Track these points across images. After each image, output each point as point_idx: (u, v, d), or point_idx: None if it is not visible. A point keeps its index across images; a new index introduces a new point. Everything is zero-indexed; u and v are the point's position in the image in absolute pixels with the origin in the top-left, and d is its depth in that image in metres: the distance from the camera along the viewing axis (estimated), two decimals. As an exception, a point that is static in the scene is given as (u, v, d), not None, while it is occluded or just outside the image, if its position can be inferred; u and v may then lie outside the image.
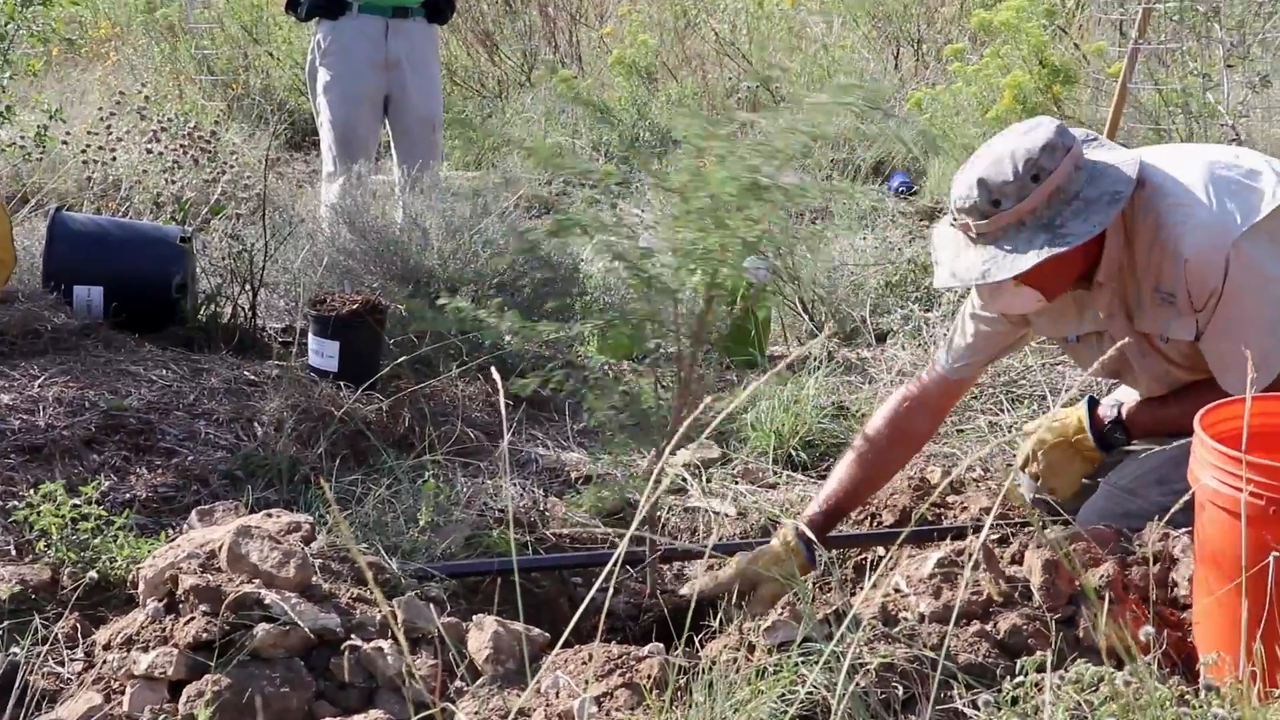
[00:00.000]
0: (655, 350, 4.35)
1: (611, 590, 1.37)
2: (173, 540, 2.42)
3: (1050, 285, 2.46)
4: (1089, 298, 2.58)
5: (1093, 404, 2.74)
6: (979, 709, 1.94)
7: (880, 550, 2.81)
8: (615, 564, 1.39)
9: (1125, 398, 2.87)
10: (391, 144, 5.03)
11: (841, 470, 2.75)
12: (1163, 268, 2.45)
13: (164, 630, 2.13)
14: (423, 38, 4.90)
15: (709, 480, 3.29)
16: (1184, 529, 2.29)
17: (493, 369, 1.48)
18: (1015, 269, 2.34)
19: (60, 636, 2.21)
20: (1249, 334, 2.40)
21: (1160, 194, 2.45)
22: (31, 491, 2.50)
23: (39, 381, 3.21)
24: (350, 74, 4.78)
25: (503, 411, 1.43)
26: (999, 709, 1.85)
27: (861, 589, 2.53)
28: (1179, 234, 2.40)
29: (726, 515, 3.13)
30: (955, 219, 2.44)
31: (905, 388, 2.83)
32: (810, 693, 1.88)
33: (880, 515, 3.04)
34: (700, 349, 2.42)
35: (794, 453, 3.46)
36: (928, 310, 4.66)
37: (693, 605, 2.27)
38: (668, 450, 1.85)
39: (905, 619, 2.14)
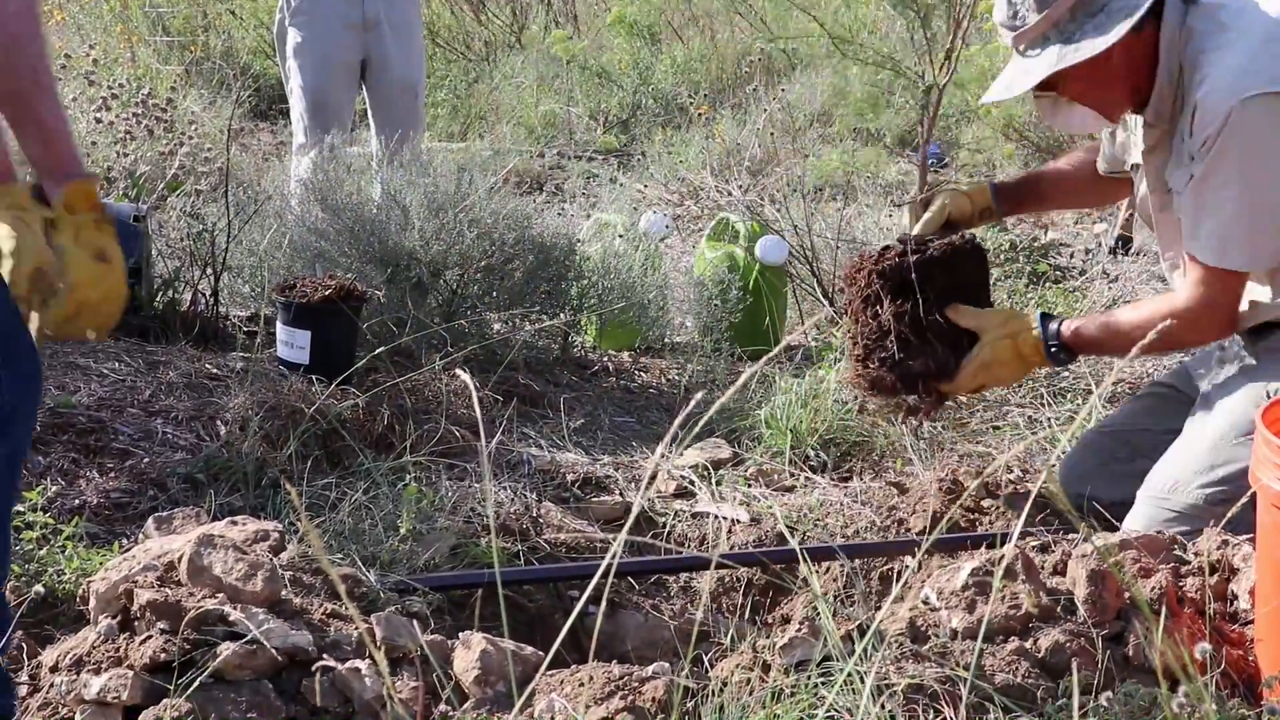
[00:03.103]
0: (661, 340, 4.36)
1: (604, 603, 1.37)
2: (127, 551, 2.42)
3: (1099, 102, 2.68)
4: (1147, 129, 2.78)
5: (1045, 318, 2.89)
6: (1018, 734, 1.95)
7: (908, 559, 2.82)
8: (605, 574, 1.39)
9: None
10: (369, 113, 5.03)
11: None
12: (1186, 109, 2.63)
13: (118, 650, 2.13)
14: None
15: (719, 483, 3.30)
16: (1245, 536, 2.30)
17: (462, 370, 1.48)
18: (1026, 83, 2.61)
19: (4, 657, 2.21)
20: (1218, 207, 2.58)
21: (1213, 26, 2.61)
22: (-29, 497, 2.51)
23: (-21, 376, 3.22)
24: (324, 35, 4.78)
25: (476, 407, 1.42)
26: (1040, 734, 1.85)
27: (888, 602, 2.53)
28: (1204, 72, 2.58)
29: (738, 521, 3.13)
30: (1001, 36, 2.70)
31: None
32: (830, 716, 1.89)
33: (909, 521, 3.04)
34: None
35: (813, 452, 3.47)
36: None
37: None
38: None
39: (936, 635, 2.15)
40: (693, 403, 1.37)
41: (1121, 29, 2.53)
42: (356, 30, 4.80)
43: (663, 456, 3.37)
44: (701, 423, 1.51)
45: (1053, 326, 2.82)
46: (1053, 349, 2.82)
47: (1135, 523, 2.73)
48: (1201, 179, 2.58)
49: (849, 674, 1.89)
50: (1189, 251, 2.65)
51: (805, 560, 2.58)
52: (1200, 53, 2.59)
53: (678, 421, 1.39)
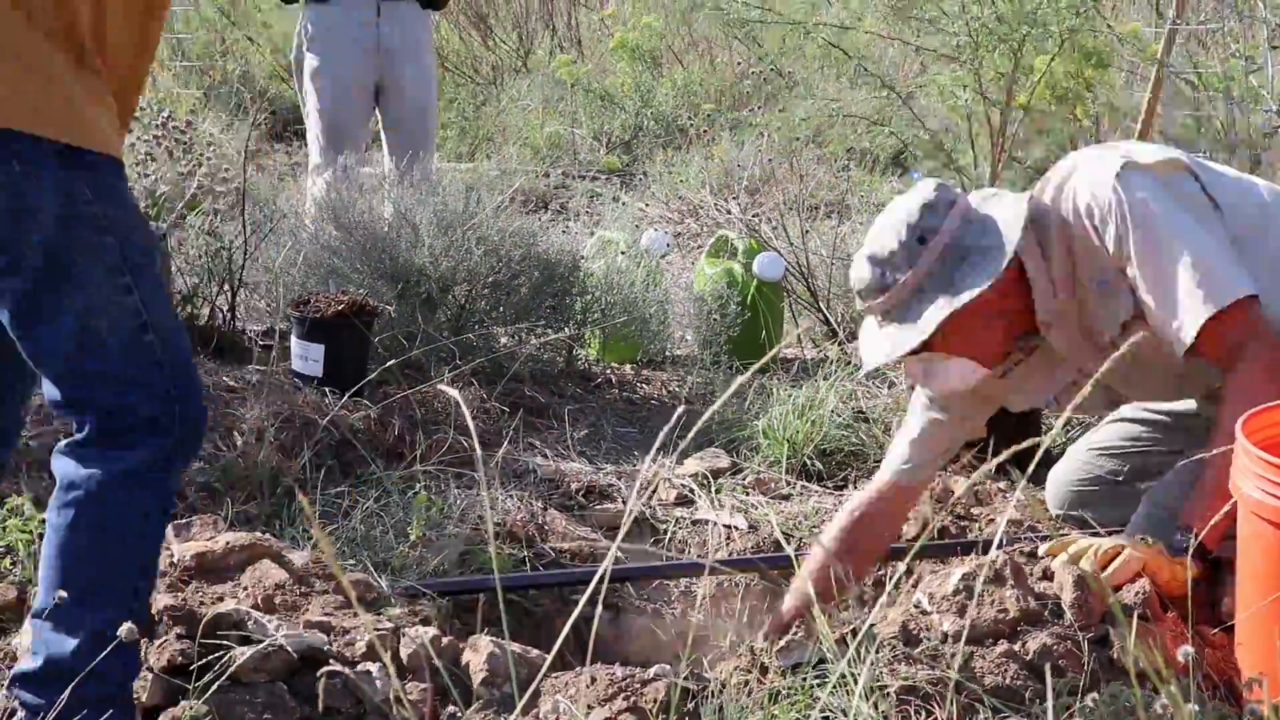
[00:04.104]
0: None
1: (603, 607, 1.37)
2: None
3: (980, 349, 2.42)
4: (1046, 351, 2.52)
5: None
6: (1006, 734, 1.94)
7: (900, 565, 2.82)
8: (601, 579, 1.39)
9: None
10: (382, 134, 5.04)
11: (798, 584, 2.60)
12: (1083, 250, 2.41)
13: (138, 653, 2.13)
14: (416, 23, 4.91)
15: (718, 492, 3.30)
16: (1227, 541, 2.29)
17: (449, 387, 1.48)
18: (917, 337, 2.32)
19: (27, 660, 2.21)
20: (1175, 263, 2.31)
21: (1052, 194, 2.45)
22: (-3, 505, 2.51)
23: (4, 388, 3.22)
24: (340, 60, 4.80)
25: (470, 419, 1.42)
26: (1028, 734, 1.85)
27: (878, 607, 2.53)
28: (1072, 197, 2.40)
29: (736, 528, 3.13)
30: (861, 304, 2.45)
31: (858, 497, 2.73)
32: (826, 717, 1.88)
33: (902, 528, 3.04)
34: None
35: (809, 462, 3.47)
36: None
37: None
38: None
39: (927, 638, 2.14)
40: (675, 416, 1.37)
41: (1003, 259, 2.32)
42: (371, 55, 4.82)
43: (654, 465, 3.36)
44: (693, 432, 1.51)
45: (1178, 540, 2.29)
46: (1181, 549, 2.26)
47: (1136, 529, 2.62)
48: (1142, 261, 2.34)
49: (844, 676, 1.89)
50: (1198, 329, 2.30)
51: (800, 566, 2.58)
52: (1055, 208, 2.43)
53: (663, 434, 1.39)
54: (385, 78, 4.87)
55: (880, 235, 2.39)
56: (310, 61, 4.85)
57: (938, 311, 2.31)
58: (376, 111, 4.98)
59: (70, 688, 1.83)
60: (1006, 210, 2.40)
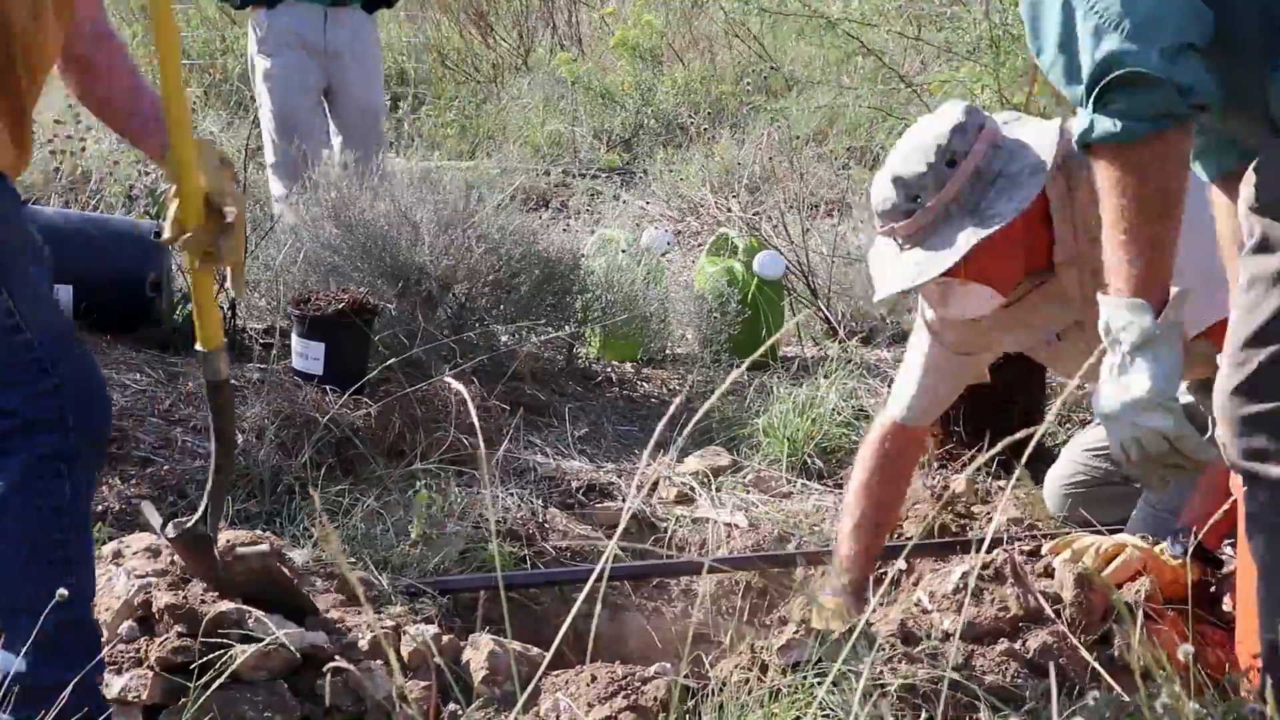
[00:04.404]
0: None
1: (602, 605, 1.37)
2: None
3: (999, 277, 2.36)
4: (1055, 287, 2.45)
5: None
6: (1007, 733, 1.95)
7: (901, 563, 2.82)
8: (600, 579, 1.40)
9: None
10: (335, 133, 5.09)
11: (846, 537, 2.62)
12: None
13: (138, 651, 2.13)
14: (362, 27, 5.01)
15: (719, 490, 3.30)
16: (1228, 540, 2.30)
17: (456, 381, 1.48)
18: (945, 262, 2.26)
19: (28, 658, 2.21)
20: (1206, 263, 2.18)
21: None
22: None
23: (5, 386, 3.22)
24: (288, 63, 4.90)
25: (475, 414, 1.43)
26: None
27: (881, 605, 2.53)
28: None
29: (737, 526, 3.13)
30: (882, 226, 2.37)
31: (868, 452, 2.66)
32: (826, 715, 1.89)
33: (902, 526, 3.04)
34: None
35: (809, 460, 3.47)
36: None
37: None
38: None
39: (928, 637, 2.15)
40: (673, 407, 1.37)
41: (1034, 186, 2.25)
42: (320, 58, 4.93)
43: (653, 463, 3.37)
44: (689, 428, 1.51)
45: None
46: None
47: (1134, 531, 2.62)
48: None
49: (844, 674, 1.89)
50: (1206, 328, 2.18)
51: (801, 564, 2.58)
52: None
53: (660, 427, 1.39)
54: (334, 80, 4.95)
55: (907, 157, 2.31)
56: (261, 63, 4.95)
57: (968, 237, 2.24)
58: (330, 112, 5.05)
59: (44, 702, 1.80)
60: (1036, 136, 2.32)
